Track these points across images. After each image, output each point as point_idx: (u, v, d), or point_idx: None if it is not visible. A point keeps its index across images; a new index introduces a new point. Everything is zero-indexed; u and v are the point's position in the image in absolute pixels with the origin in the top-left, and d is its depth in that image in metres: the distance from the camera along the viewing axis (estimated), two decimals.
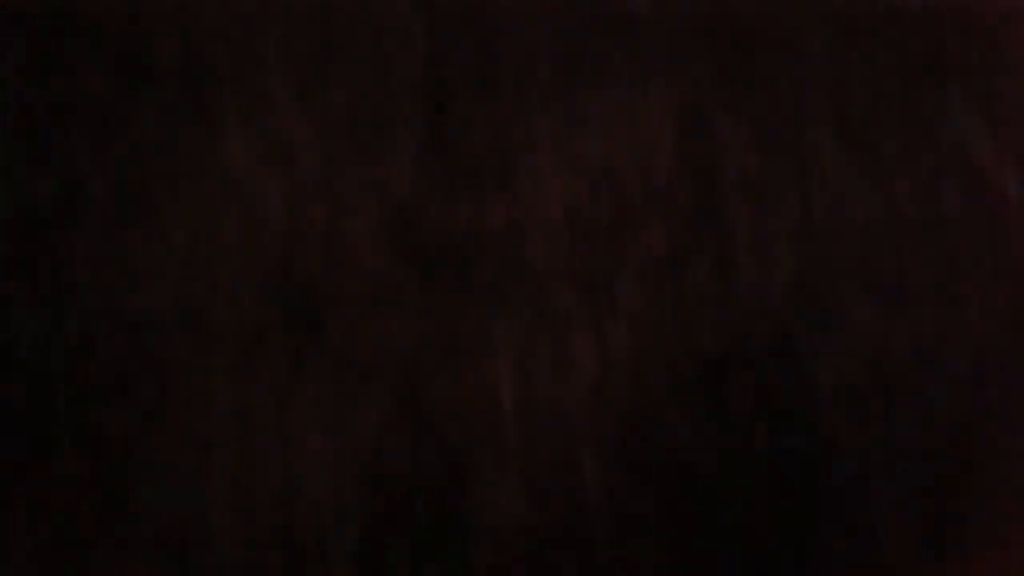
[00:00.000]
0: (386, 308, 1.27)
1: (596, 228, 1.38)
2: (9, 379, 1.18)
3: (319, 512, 1.17)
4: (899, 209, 1.43)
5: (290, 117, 1.39)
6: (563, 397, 1.25)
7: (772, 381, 1.32)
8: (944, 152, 1.49)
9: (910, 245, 1.41)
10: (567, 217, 1.38)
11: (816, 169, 1.46)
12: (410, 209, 1.35)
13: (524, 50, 1.51)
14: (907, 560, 1.24)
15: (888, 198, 1.43)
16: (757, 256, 1.38)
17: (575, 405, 1.25)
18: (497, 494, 1.20)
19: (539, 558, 1.18)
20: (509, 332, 1.29)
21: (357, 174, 1.35)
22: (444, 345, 1.27)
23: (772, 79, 1.54)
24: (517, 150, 1.43)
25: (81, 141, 1.35)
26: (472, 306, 1.30)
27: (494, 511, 1.19)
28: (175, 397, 1.18)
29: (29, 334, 1.21)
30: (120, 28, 1.45)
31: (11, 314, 1.21)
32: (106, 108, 1.39)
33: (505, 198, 1.38)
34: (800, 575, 1.25)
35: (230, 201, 1.30)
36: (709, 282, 1.36)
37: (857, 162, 1.47)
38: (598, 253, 1.36)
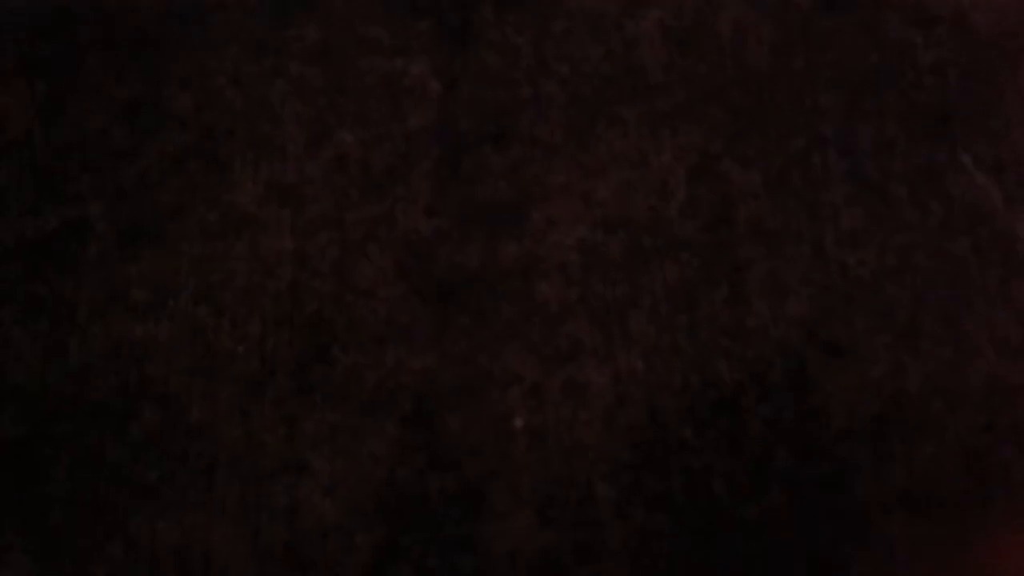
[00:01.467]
0: (398, 341, 1.26)
1: (609, 264, 1.38)
2: (8, 403, 1.16)
3: (327, 533, 1.13)
4: (911, 256, 1.43)
5: (300, 159, 1.40)
6: (577, 425, 1.22)
7: (788, 411, 1.29)
8: (954, 199, 1.50)
9: (922, 285, 1.40)
10: (580, 255, 1.38)
11: (829, 216, 1.47)
12: (422, 247, 1.35)
13: (538, 105, 1.54)
14: None
15: (901, 246, 1.43)
16: (771, 293, 1.37)
17: (589, 433, 1.22)
18: (511, 519, 1.16)
19: (554, 575, 1.13)
20: (522, 364, 1.26)
21: (368, 212, 1.36)
22: (457, 377, 1.25)
23: (783, 131, 1.56)
24: (530, 194, 1.44)
25: (87, 180, 1.36)
26: (485, 340, 1.28)
27: (508, 536, 1.15)
28: (181, 423, 1.15)
29: (29, 360, 1.20)
30: (134, 78, 1.48)
31: (11, 341, 1.20)
32: (115, 150, 1.41)
33: (519, 238, 1.38)
34: None
35: (237, 234, 1.30)
36: (723, 315, 1.35)
37: (869, 211, 1.47)
38: (611, 287, 1.35)
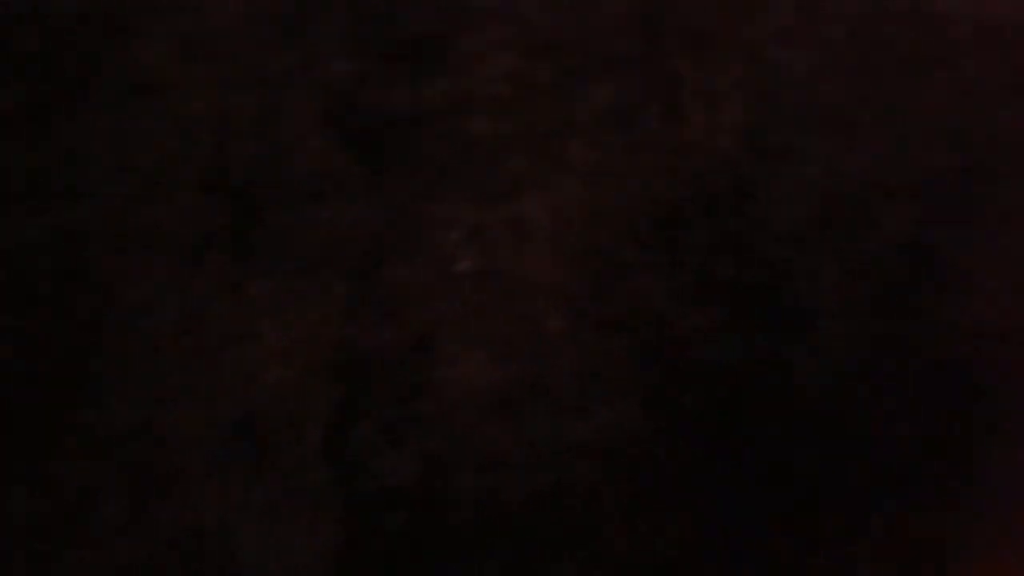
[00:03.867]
0: (330, 195, 1.23)
1: (541, 91, 1.33)
2: None
3: (283, 401, 1.14)
4: (839, 52, 1.39)
5: (209, 10, 1.31)
6: (521, 261, 1.22)
7: (728, 221, 1.30)
8: None
9: (856, 81, 1.38)
10: (510, 85, 1.33)
11: (761, 18, 1.41)
12: (346, 92, 1.29)
13: None
14: (864, 372, 1.25)
15: (829, 42, 1.40)
16: (706, 103, 1.34)
17: (535, 267, 1.22)
18: (464, 362, 1.18)
19: (511, 409, 1.17)
20: (460, 204, 1.25)
21: (286, 62, 1.29)
22: (395, 226, 1.23)
23: None
24: (454, 24, 1.37)
25: None
26: (420, 184, 1.25)
27: (463, 379, 1.17)
28: (120, 305, 1.13)
29: None
30: None
31: None
32: (12, 15, 1.31)
33: (444, 73, 1.33)
34: (769, 398, 1.25)
35: (152, 101, 1.24)
36: (660, 131, 1.32)
37: (798, 8, 1.42)
38: (545, 116, 1.31)
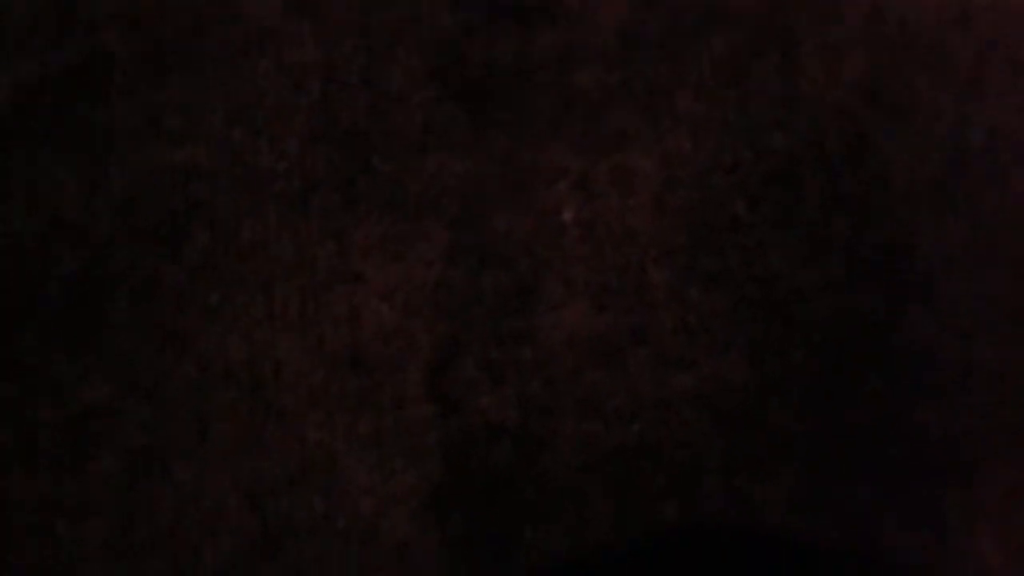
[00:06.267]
0: (437, 145, 1.23)
1: (650, 44, 1.30)
2: (61, 240, 1.17)
3: (387, 337, 1.15)
4: (973, 4, 1.32)
5: None
6: (626, 212, 1.20)
7: (846, 177, 1.25)
8: None
9: (985, 32, 1.30)
10: (619, 37, 1.30)
11: None
12: (452, 45, 1.29)
13: None
14: (989, 341, 1.19)
15: None
16: (824, 55, 1.29)
17: (639, 219, 1.20)
18: (566, 309, 1.17)
19: (612, 357, 1.15)
20: (566, 155, 1.23)
21: (392, 14, 1.29)
22: (500, 175, 1.22)
23: None
24: None
25: (101, 5, 1.31)
26: (525, 135, 1.24)
27: (565, 325, 1.16)
28: (231, 243, 1.15)
29: (75, 195, 1.20)
30: None
31: (54, 177, 1.20)
32: None
33: (552, 25, 1.31)
34: (884, 357, 1.20)
35: (261, 49, 1.25)
36: (774, 84, 1.28)
37: None
38: (654, 68, 1.28)
